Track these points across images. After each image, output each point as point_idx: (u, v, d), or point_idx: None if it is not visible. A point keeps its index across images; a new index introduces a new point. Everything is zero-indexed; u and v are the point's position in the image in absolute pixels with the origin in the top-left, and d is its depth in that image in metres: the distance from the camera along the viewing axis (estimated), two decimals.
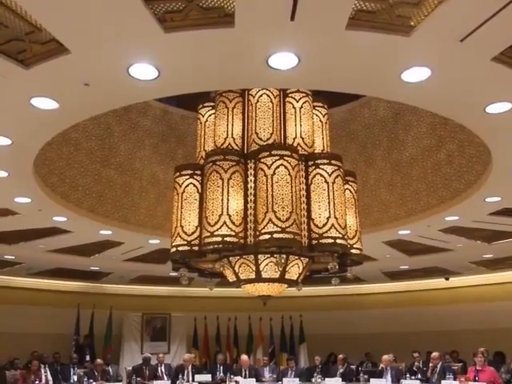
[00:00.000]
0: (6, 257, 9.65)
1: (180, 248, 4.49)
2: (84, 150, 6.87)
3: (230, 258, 4.52)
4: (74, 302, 11.96)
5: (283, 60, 3.41)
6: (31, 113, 4.12)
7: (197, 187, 4.69)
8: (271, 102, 5.08)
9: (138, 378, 8.08)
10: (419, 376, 7.89)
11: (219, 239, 4.19)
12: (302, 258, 4.54)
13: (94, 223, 7.35)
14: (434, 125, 6.76)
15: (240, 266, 4.51)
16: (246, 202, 4.42)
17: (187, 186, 4.72)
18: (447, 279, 12.21)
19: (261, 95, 5.11)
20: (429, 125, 6.86)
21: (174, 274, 10.22)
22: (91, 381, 7.68)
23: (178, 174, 4.87)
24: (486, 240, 8.59)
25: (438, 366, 7.95)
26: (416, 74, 3.62)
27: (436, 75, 3.62)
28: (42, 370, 8.06)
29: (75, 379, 8.33)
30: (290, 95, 5.27)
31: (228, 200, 4.33)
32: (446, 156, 6.73)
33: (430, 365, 8.17)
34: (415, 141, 7.13)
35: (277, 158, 4.41)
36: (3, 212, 6.94)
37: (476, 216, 7.15)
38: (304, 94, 5.27)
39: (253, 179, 4.52)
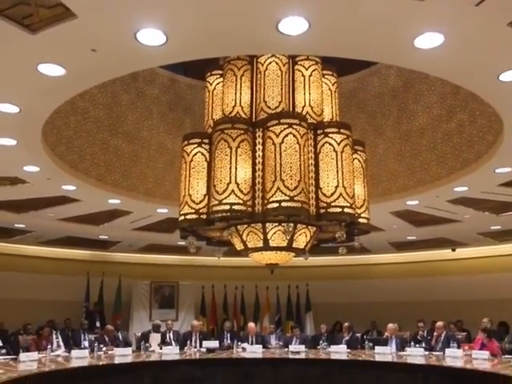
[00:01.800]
0: (16, 225, 9.77)
1: (188, 216, 4.52)
2: (92, 119, 6.85)
3: (238, 227, 4.55)
4: (83, 270, 12.15)
5: (293, 25, 3.34)
6: (38, 79, 4.10)
7: (205, 156, 4.69)
8: (280, 69, 5.02)
9: (147, 344, 8.24)
10: (423, 345, 7.97)
11: (227, 207, 4.21)
12: (309, 227, 4.57)
13: (102, 192, 7.38)
14: (445, 94, 6.66)
15: (248, 235, 4.54)
16: (254, 171, 4.42)
17: (195, 154, 4.72)
18: (454, 250, 12.23)
19: (269, 63, 5.04)
20: (440, 94, 6.75)
21: (182, 242, 10.31)
22: (102, 346, 7.84)
23: (186, 142, 4.86)
24: (494, 211, 8.56)
25: (443, 335, 8.03)
26: (429, 40, 3.54)
27: (449, 41, 3.54)
28: (54, 336, 8.22)
29: (86, 344, 8.49)
30: (299, 63, 5.19)
31: (236, 168, 4.33)
32: (456, 126, 6.65)
33: (435, 334, 8.26)
34: (425, 110, 7.04)
35: (285, 126, 4.39)
36: (13, 180, 6.99)
37: (485, 187, 7.11)
38: (313, 62, 5.20)
39: (261, 148, 4.51)
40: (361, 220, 4.79)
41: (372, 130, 7.55)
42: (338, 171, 4.49)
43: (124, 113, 7.27)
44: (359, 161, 5.04)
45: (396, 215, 8.78)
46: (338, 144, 4.63)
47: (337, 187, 4.41)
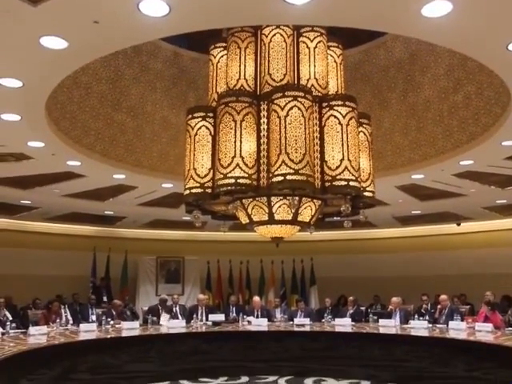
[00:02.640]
0: (22, 202, 9.83)
1: (193, 190, 4.53)
2: (95, 94, 6.82)
3: (243, 200, 4.55)
4: (90, 245, 12.26)
5: None
6: (41, 53, 4.06)
7: (209, 129, 4.67)
8: (284, 41, 4.95)
9: (154, 318, 8.35)
10: (427, 318, 8.04)
11: (232, 181, 4.21)
12: (314, 201, 4.57)
13: (107, 167, 7.39)
14: (452, 66, 6.57)
15: (253, 208, 4.55)
16: (258, 144, 4.40)
17: (200, 128, 4.70)
18: (459, 225, 12.23)
19: (274, 34, 4.97)
20: (446, 66, 6.66)
21: (187, 218, 10.39)
22: (109, 320, 7.96)
23: (190, 116, 4.83)
24: (500, 185, 8.52)
25: (446, 308, 8.08)
26: (437, 9, 3.46)
27: (458, 10, 3.47)
28: (62, 310, 8.34)
29: (94, 319, 8.60)
30: (303, 35, 5.11)
31: (241, 142, 4.32)
32: (463, 98, 6.57)
33: (438, 307, 8.31)
34: (432, 83, 6.95)
35: (290, 99, 4.35)
36: (18, 156, 7.00)
37: (491, 160, 7.06)
38: (318, 34, 5.12)
39: (266, 121, 4.48)
40: (366, 193, 4.78)
41: (377, 103, 7.48)
42: (343, 144, 4.46)
43: (127, 87, 7.23)
44: (365, 134, 5.00)
45: (401, 189, 8.75)
46: (344, 117, 4.59)
47: (342, 160, 4.39)
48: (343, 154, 4.42)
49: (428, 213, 11.04)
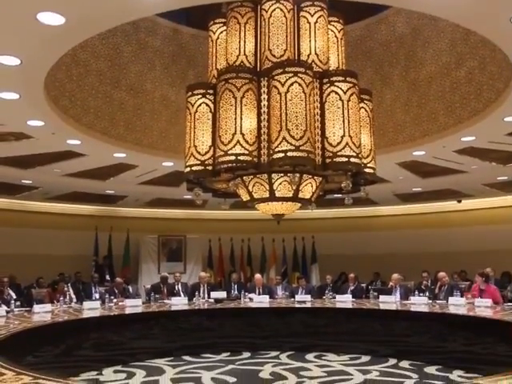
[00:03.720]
0: (23, 181, 9.84)
1: (194, 168, 4.51)
2: (94, 72, 6.76)
3: (244, 178, 4.54)
4: (91, 224, 12.31)
5: None
6: (38, 29, 4.01)
7: (209, 107, 4.62)
8: (285, 16, 4.86)
9: (157, 295, 8.44)
10: (427, 294, 8.12)
11: (233, 158, 4.19)
12: (315, 177, 4.55)
13: (107, 146, 7.37)
14: (455, 41, 6.49)
15: (254, 186, 4.54)
16: (259, 121, 4.36)
17: (200, 105, 4.66)
18: (459, 202, 12.25)
19: (274, 9, 4.88)
20: (449, 41, 6.58)
21: (188, 196, 10.41)
22: (112, 297, 8.04)
23: (190, 93, 4.78)
24: (501, 162, 8.49)
25: (446, 284, 8.15)
26: None
27: None
28: (65, 289, 8.43)
29: (97, 297, 8.69)
30: (304, 9, 5.03)
31: (241, 119, 4.28)
32: (465, 74, 6.51)
33: (438, 283, 8.39)
34: (434, 58, 6.88)
35: (291, 75, 4.30)
36: (18, 136, 6.98)
37: (493, 136, 7.02)
38: (319, 8, 5.03)
39: (266, 97, 4.43)
40: (367, 170, 4.76)
41: (379, 79, 7.41)
42: (344, 120, 4.42)
43: (126, 65, 7.16)
44: (366, 110, 4.95)
45: (402, 166, 8.74)
46: (345, 93, 4.54)
47: (343, 137, 4.36)
48: (344, 130, 4.39)
49: (429, 190, 11.04)
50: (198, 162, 4.47)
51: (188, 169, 4.55)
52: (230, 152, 4.21)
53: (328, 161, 4.34)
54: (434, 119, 7.05)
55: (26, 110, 5.91)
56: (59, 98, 6.24)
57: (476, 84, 6.35)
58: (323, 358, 6.73)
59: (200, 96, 4.67)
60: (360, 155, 4.48)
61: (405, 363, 6.28)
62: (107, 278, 11.77)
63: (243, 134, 4.24)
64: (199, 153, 4.49)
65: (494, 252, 10.95)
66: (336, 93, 4.51)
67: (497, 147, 7.55)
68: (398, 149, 7.59)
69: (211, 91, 4.65)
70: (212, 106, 4.60)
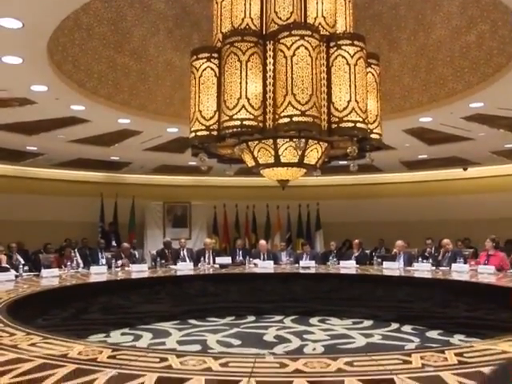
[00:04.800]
0: (28, 148, 9.84)
1: (199, 133, 4.48)
2: (97, 36, 6.65)
3: (249, 143, 4.52)
4: (97, 191, 12.37)
5: None
6: None
7: (214, 71, 4.56)
8: None
9: (162, 261, 8.54)
10: (430, 261, 8.16)
11: (238, 123, 4.15)
12: (321, 143, 4.52)
13: (111, 111, 7.32)
14: (466, 3, 6.32)
15: (259, 151, 4.52)
16: (264, 85, 4.30)
17: (204, 69, 4.59)
18: (465, 169, 12.19)
19: None
20: (460, 4, 6.41)
21: (193, 163, 10.41)
22: (119, 262, 8.14)
23: (194, 57, 4.71)
24: (509, 129, 8.40)
25: (449, 251, 8.19)
26: None
27: None
28: (72, 254, 8.52)
29: (103, 262, 8.78)
30: None
31: (246, 83, 4.22)
32: (476, 38, 6.36)
33: (442, 250, 8.42)
34: (444, 22, 6.71)
35: (297, 38, 4.21)
36: (21, 101, 6.94)
37: (502, 103, 6.92)
38: None
39: (272, 61, 4.36)
40: (373, 136, 4.71)
41: (387, 43, 7.26)
42: (350, 85, 4.36)
43: (129, 29, 7.03)
44: (373, 75, 4.87)
45: (408, 133, 8.66)
46: (352, 57, 4.46)
47: (349, 102, 4.30)
48: (350, 95, 4.33)
49: (435, 157, 10.97)
50: (203, 127, 4.44)
51: (193, 134, 4.52)
52: (235, 117, 4.17)
53: (334, 126, 4.30)
54: (442, 85, 6.94)
55: (29, 74, 5.86)
56: (62, 63, 6.17)
57: (486, 48, 6.22)
58: (326, 322, 6.84)
59: (205, 60, 4.60)
60: (366, 121, 4.43)
61: (407, 328, 6.38)
62: (113, 243, 11.88)
63: (248, 99, 4.20)
64: (204, 118, 4.46)
65: (499, 220, 10.96)
66: (343, 57, 4.43)
67: (506, 114, 7.45)
68: (405, 115, 7.50)
69: (216, 55, 4.58)
70: (217, 70, 4.54)
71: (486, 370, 2.20)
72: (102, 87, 6.97)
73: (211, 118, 4.44)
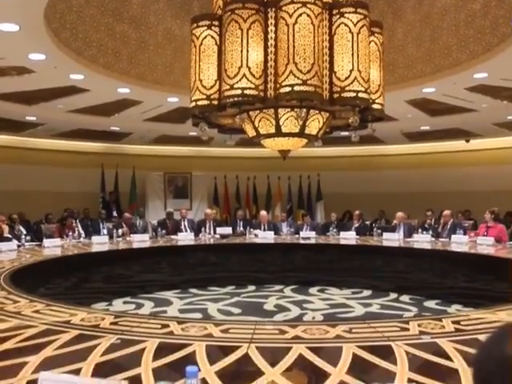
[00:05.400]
0: (27, 118, 9.77)
1: (199, 102, 4.44)
2: (95, 3, 6.53)
3: (250, 113, 4.48)
4: (97, 162, 12.33)
5: None
6: None
7: (215, 39, 4.49)
8: None
9: (163, 231, 8.59)
10: (430, 232, 8.21)
11: (239, 92, 4.11)
12: (322, 113, 4.49)
13: (111, 81, 7.24)
14: None
15: (260, 121, 4.49)
16: (266, 54, 4.24)
17: (205, 37, 4.52)
18: (467, 141, 12.12)
19: None
20: None
21: (193, 133, 10.34)
22: (120, 232, 8.20)
23: (194, 25, 4.62)
24: None
25: (449, 222, 8.22)
26: None
27: None
28: (74, 224, 8.57)
29: (105, 232, 8.84)
30: None
31: (247, 51, 4.16)
32: (481, 6, 6.24)
33: (441, 221, 8.46)
34: None
35: (299, 5, 4.13)
36: (20, 70, 6.86)
37: (506, 73, 6.82)
38: None
39: (273, 29, 4.28)
40: (375, 106, 4.67)
41: (391, 12, 7.12)
42: (353, 54, 4.29)
43: None
44: (376, 44, 4.80)
45: (411, 104, 8.58)
46: (355, 25, 4.38)
47: (351, 71, 4.25)
48: (353, 64, 4.27)
49: (437, 129, 10.90)
50: (204, 97, 4.40)
51: (193, 103, 4.49)
52: (235, 86, 4.13)
53: (336, 96, 4.26)
54: (446, 54, 6.84)
55: (26, 42, 5.76)
56: (60, 31, 6.07)
57: (492, 17, 6.10)
58: (326, 291, 6.92)
59: (205, 28, 4.52)
60: (368, 90, 4.38)
61: (405, 297, 6.46)
62: (114, 214, 11.93)
63: (249, 68, 4.14)
64: (205, 87, 4.41)
65: (500, 192, 10.96)
66: (346, 25, 4.35)
67: (509, 85, 7.36)
68: (408, 85, 7.41)
69: (216, 23, 4.50)
70: (217, 38, 4.47)
71: (483, 337, 2.23)
72: (100, 56, 6.88)
73: (212, 87, 4.39)
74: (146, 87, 7.59)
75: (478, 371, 0.66)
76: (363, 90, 4.27)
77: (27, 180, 11.21)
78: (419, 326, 2.51)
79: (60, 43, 6.07)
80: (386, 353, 2.11)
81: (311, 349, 2.16)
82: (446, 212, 8.38)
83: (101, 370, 1.91)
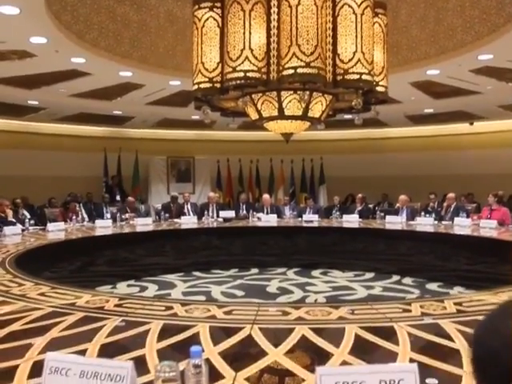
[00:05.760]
0: (29, 102, 9.74)
1: (202, 85, 4.42)
2: None
3: (253, 95, 4.46)
4: (100, 146, 12.31)
5: None
6: None
7: (217, 21, 4.45)
8: None
9: (167, 214, 8.62)
10: (433, 215, 8.20)
11: (241, 75, 4.09)
12: (325, 95, 4.46)
13: (112, 64, 7.19)
14: None
15: (263, 104, 4.47)
16: (268, 36, 4.21)
17: (207, 19, 4.48)
18: (471, 124, 12.04)
19: None
20: None
21: (196, 117, 10.31)
22: (123, 216, 8.22)
23: (196, 7, 4.58)
24: None
25: (452, 205, 8.21)
26: None
27: None
28: (77, 208, 8.60)
29: (108, 216, 8.87)
30: None
31: (250, 33, 4.13)
32: None
33: (445, 204, 8.45)
34: None
35: None
36: (21, 54, 6.82)
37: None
38: None
39: (276, 10, 4.24)
40: (378, 88, 4.64)
41: None
42: (356, 36, 4.25)
43: None
44: (380, 25, 4.75)
45: (415, 86, 8.50)
46: (358, 6, 4.33)
47: (355, 53, 4.21)
48: (356, 46, 4.23)
49: (441, 112, 10.82)
50: (206, 80, 4.38)
51: (195, 86, 4.46)
52: (238, 68, 4.10)
53: (339, 78, 4.23)
54: (450, 36, 6.75)
55: (27, 25, 5.72)
56: (61, 13, 6.01)
57: None
58: (328, 274, 6.96)
59: (207, 10, 4.48)
60: (372, 73, 4.35)
61: (407, 280, 6.48)
62: (117, 198, 11.96)
63: (252, 50, 4.11)
64: (207, 70, 4.38)
65: (504, 175, 10.91)
66: (349, 6, 4.30)
67: None
68: (412, 67, 7.34)
69: (219, 4, 4.46)
70: (220, 20, 4.43)
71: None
72: (102, 39, 6.82)
73: (214, 69, 4.36)
74: (148, 70, 7.54)
75: (481, 350, 0.64)
76: (367, 72, 4.24)
77: (30, 164, 11.22)
78: (421, 307, 2.53)
79: (61, 26, 6.03)
80: (389, 334, 2.12)
81: (314, 330, 2.18)
82: (450, 195, 8.37)
83: (106, 351, 1.93)
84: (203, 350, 1.82)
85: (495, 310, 0.68)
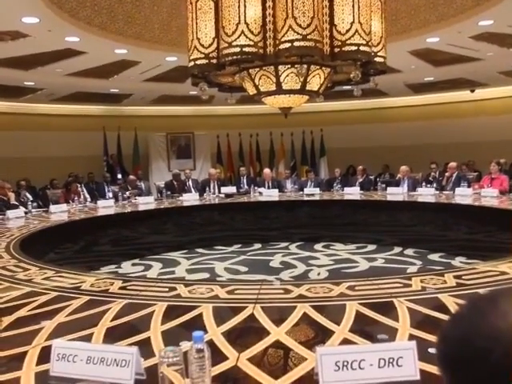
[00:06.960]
0: (25, 83, 9.65)
1: (198, 62, 4.36)
2: None
3: (250, 70, 4.41)
4: (99, 125, 12.23)
5: None
6: None
7: None
8: None
9: (168, 192, 8.64)
10: (435, 185, 8.20)
11: (238, 50, 4.03)
12: (323, 68, 4.41)
13: (107, 42, 7.09)
14: None
15: (260, 79, 4.42)
16: (264, 9, 4.12)
17: None
18: (472, 91, 11.90)
19: None
20: None
21: (194, 92, 10.21)
22: (125, 195, 8.24)
23: None
24: None
25: (454, 175, 8.20)
26: None
27: None
28: (79, 189, 8.62)
29: (110, 196, 8.88)
30: None
31: (245, 7, 4.05)
32: None
33: (446, 174, 8.43)
34: None
35: None
36: (14, 35, 6.73)
37: None
38: None
39: None
40: (377, 59, 4.57)
41: None
42: (353, 6, 4.16)
43: None
44: None
45: (414, 54, 8.38)
46: None
47: (352, 23, 4.13)
48: (353, 16, 4.15)
49: (441, 80, 10.69)
50: (202, 56, 4.32)
51: (192, 63, 4.41)
52: (234, 43, 4.04)
53: (336, 50, 4.16)
54: (450, 2, 6.59)
55: (18, 5, 5.62)
56: None
57: None
58: (331, 247, 7.00)
59: None
60: (370, 43, 4.28)
61: (409, 251, 6.53)
62: (119, 176, 11.96)
63: (247, 24, 4.04)
64: (203, 45, 4.32)
65: (505, 142, 10.85)
66: None
67: None
68: (411, 36, 7.21)
69: None
70: None
71: (483, 291, 2.27)
72: (95, 16, 6.70)
73: (210, 45, 4.30)
74: (144, 47, 7.44)
75: (467, 350, 0.57)
76: (364, 43, 4.17)
77: (29, 146, 11.20)
78: (421, 281, 2.55)
79: (53, 5, 5.91)
80: (389, 309, 2.15)
81: (315, 307, 2.20)
82: (452, 164, 8.35)
83: (112, 335, 1.97)
84: (206, 332, 1.86)
85: (463, 310, 0.64)
